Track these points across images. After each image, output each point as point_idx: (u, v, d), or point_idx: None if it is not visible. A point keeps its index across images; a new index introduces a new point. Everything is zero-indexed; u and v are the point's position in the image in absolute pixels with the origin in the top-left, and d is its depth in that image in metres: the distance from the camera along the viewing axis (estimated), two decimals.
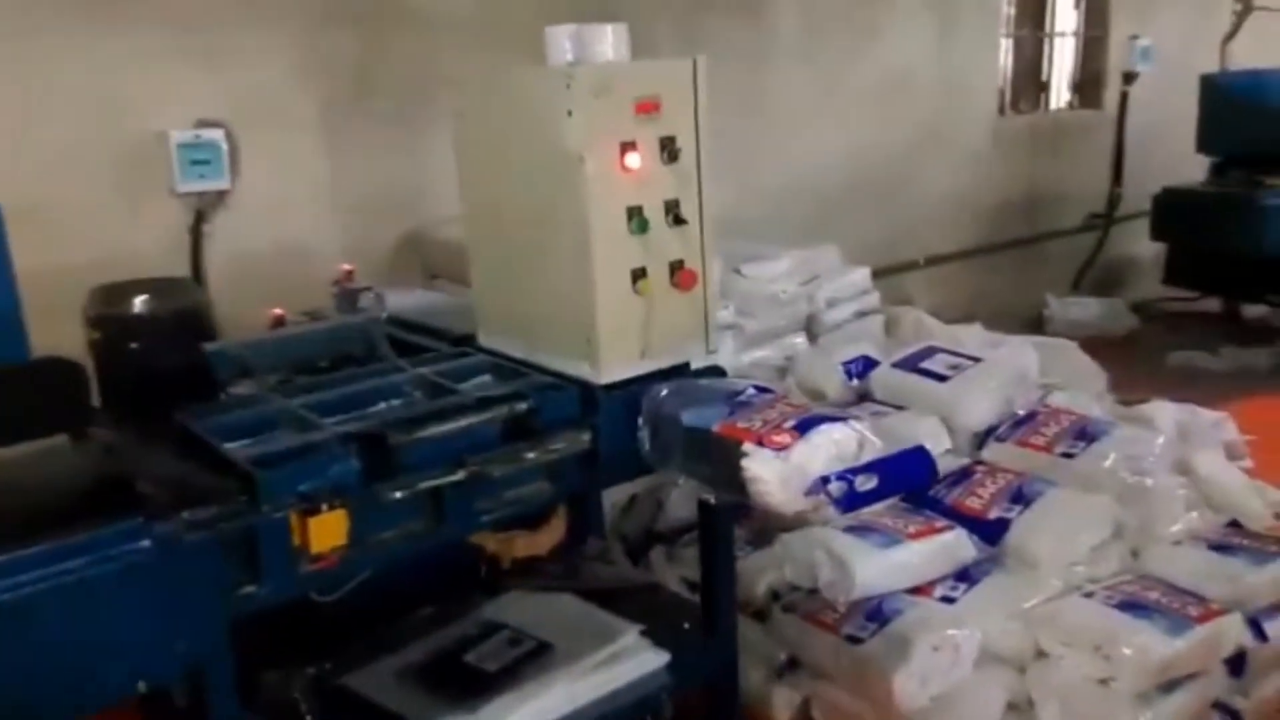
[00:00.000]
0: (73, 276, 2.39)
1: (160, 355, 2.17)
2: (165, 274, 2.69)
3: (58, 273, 2.67)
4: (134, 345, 2.18)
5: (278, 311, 2.63)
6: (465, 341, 2.47)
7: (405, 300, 2.87)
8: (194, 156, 3.29)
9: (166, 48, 3.27)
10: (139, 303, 2.21)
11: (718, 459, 1.96)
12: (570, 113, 2.01)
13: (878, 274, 4.24)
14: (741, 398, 2.08)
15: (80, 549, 1.54)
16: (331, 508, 1.74)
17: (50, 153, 3.09)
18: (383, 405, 2.12)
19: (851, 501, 1.88)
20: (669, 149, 2.10)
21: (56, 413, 1.71)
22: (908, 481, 2.14)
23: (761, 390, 2.14)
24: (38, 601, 1.51)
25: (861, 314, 4.08)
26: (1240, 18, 6.99)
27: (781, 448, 1.88)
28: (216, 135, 3.32)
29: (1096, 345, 4.36)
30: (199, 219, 3.35)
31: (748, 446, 1.90)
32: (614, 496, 3.21)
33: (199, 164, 3.29)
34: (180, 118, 3.30)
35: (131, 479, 1.71)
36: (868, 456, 1.93)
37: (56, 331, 2.25)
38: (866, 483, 1.89)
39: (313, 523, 1.72)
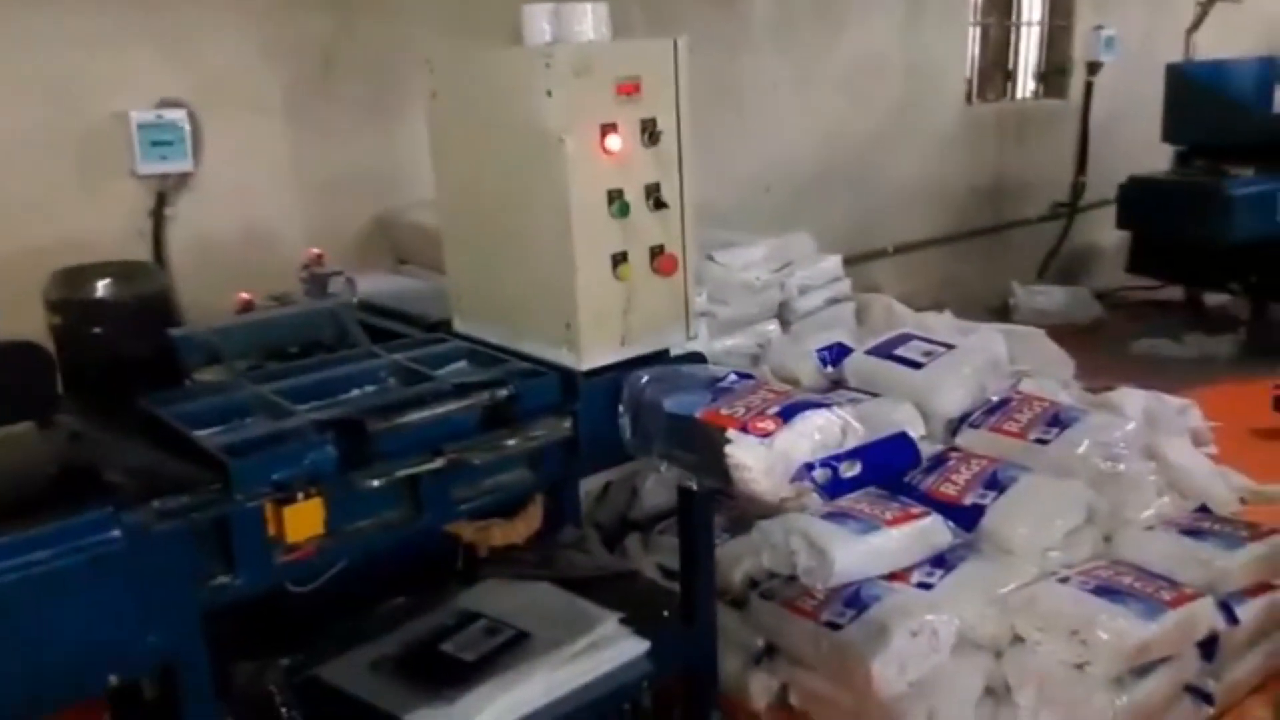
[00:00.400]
0: (29, 260, 2.32)
1: (124, 340, 2.12)
2: (126, 258, 2.62)
3: (13, 256, 2.59)
4: (96, 330, 2.12)
5: (245, 296, 2.56)
6: (439, 328, 2.43)
7: (376, 285, 2.82)
8: (155, 137, 3.19)
9: (127, 27, 3.17)
10: (101, 287, 2.15)
11: (701, 446, 1.94)
12: (550, 93, 1.97)
13: (846, 261, 4.24)
14: (723, 384, 2.06)
15: (48, 539, 1.49)
16: (307, 496, 1.69)
17: (5, 134, 2.99)
18: (356, 392, 2.08)
19: (836, 488, 1.87)
20: (650, 131, 2.06)
21: (21, 399, 1.64)
22: (891, 467, 2.13)
23: (743, 376, 2.11)
24: (4, 594, 1.45)
25: (833, 301, 4.08)
26: (1205, 8, 7.07)
27: (766, 434, 1.86)
28: (179, 116, 3.22)
29: (1061, 333, 4.40)
30: (161, 201, 3.25)
31: (731, 433, 1.88)
32: (588, 485, 3.19)
33: (160, 145, 3.19)
34: (141, 98, 3.21)
35: (99, 467, 1.65)
36: (851, 443, 1.91)
37: (12, 316, 2.18)
38: (850, 469, 1.88)
39: (288, 512, 1.67)
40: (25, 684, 1.50)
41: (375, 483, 1.76)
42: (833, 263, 4.10)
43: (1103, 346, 5.52)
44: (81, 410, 1.94)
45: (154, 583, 1.58)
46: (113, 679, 1.59)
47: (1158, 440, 3.36)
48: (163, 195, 3.25)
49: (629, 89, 2.03)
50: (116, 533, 1.53)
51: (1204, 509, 3.05)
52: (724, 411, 1.93)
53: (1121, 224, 6.22)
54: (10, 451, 1.74)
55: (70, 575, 1.51)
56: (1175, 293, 6.51)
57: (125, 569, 1.55)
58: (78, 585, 1.52)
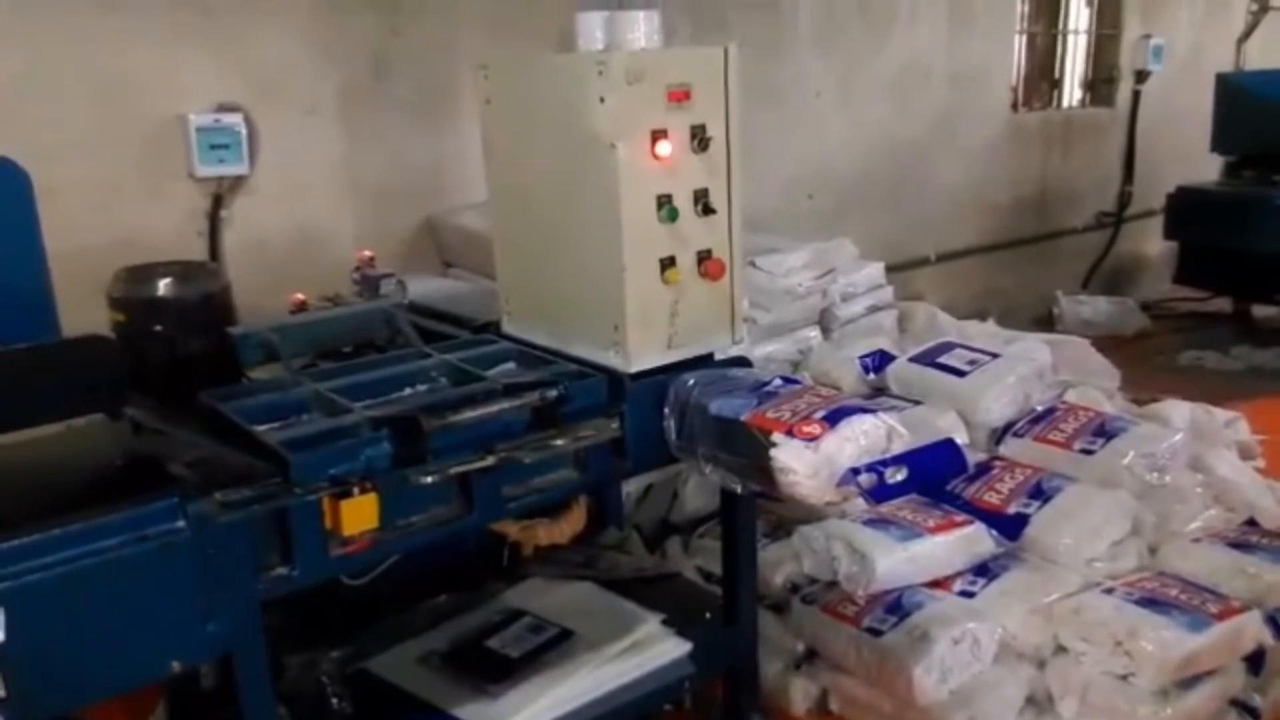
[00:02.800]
0: (91, 259, 2.38)
1: (185, 337, 2.17)
2: (182, 257, 2.68)
3: (75, 255, 2.66)
4: (158, 328, 2.17)
5: (299, 296, 2.62)
6: (488, 329, 2.47)
7: (426, 287, 2.87)
8: (213, 141, 3.27)
9: (183, 30, 3.24)
10: (163, 285, 2.20)
11: (746, 449, 1.96)
12: (603, 99, 2.00)
13: (889, 269, 4.24)
14: (769, 388, 2.08)
15: (116, 528, 1.54)
16: (363, 491, 1.73)
17: (69, 134, 3.07)
18: (409, 391, 2.13)
19: (881, 493, 1.88)
20: (699, 138, 2.09)
21: (93, 391, 1.70)
22: (937, 474, 2.15)
23: (789, 381, 2.13)
24: (73, 580, 1.50)
25: (875, 309, 4.08)
26: (1256, 17, 6.98)
27: (812, 438, 1.88)
28: (235, 120, 3.30)
29: (1106, 344, 4.37)
30: (217, 203, 3.33)
31: (778, 437, 1.90)
32: (629, 487, 3.21)
33: (218, 148, 3.27)
34: (197, 101, 3.29)
35: (164, 459, 1.71)
36: (897, 448, 1.92)
37: (74, 313, 2.24)
38: (896, 474, 1.89)
39: (344, 506, 1.72)
40: (93, 667, 1.55)
41: (428, 479, 1.80)
42: (875, 270, 4.10)
43: (1148, 358, 5.47)
44: (144, 404, 2.00)
45: (216, 572, 1.63)
46: (175, 665, 1.64)
47: (1205, 452, 3.32)
48: (219, 197, 3.33)
49: (680, 96, 2.06)
50: (181, 523, 1.59)
51: (1252, 522, 3.02)
52: (770, 415, 1.95)
53: (1169, 234, 6.16)
54: (80, 443, 1.80)
55: (136, 563, 1.56)
56: (1223, 304, 6.43)
57: (189, 558, 1.60)
58: (143, 573, 1.57)
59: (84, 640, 1.53)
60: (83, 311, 2.19)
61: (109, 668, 1.57)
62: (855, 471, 1.87)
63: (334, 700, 2.10)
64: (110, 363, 1.72)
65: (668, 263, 2.11)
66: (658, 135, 2.04)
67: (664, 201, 2.07)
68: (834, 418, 1.91)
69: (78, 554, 1.51)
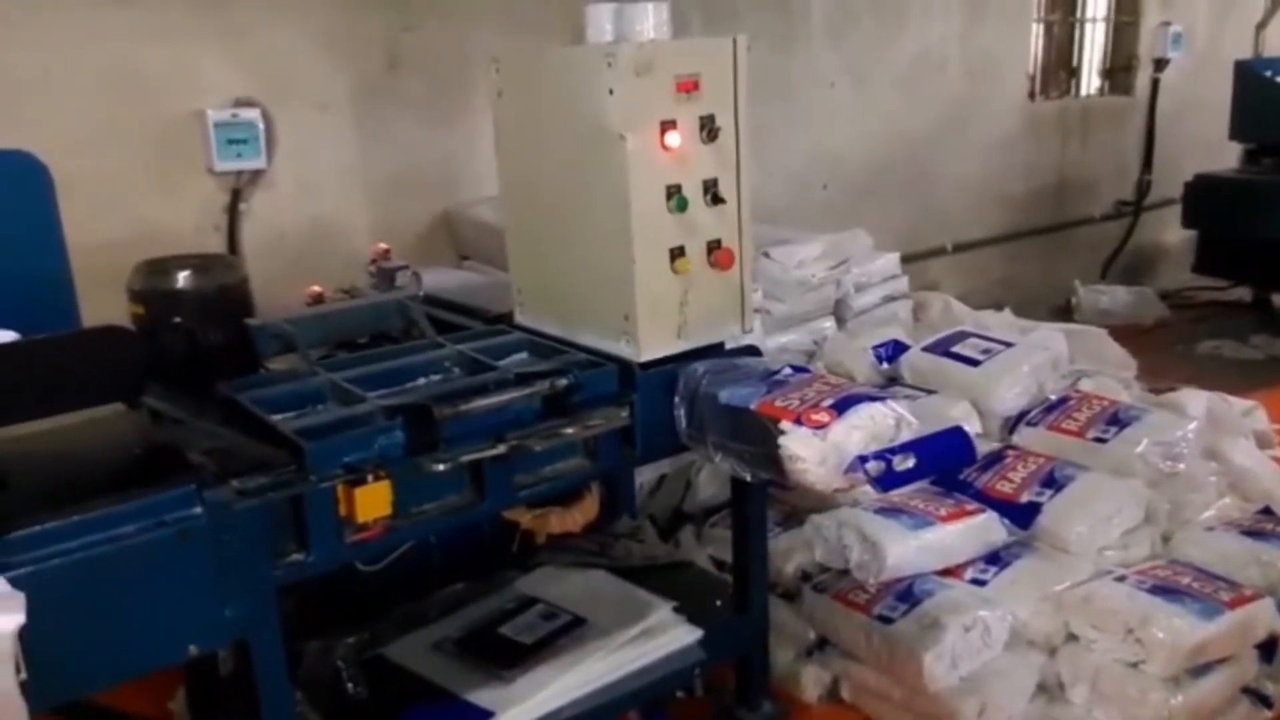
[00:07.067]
0: (110, 252, 2.42)
1: (203, 329, 2.21)
2: (201, 250, 2.72)
3: (96, 248, 2.72)
4: (178, 320, 2.21)
5: (316, 289, 2.65)
6: (501, 320, 2.49)
7: (441, 279, 2.90)
8: (231, 136, 3.30)
9: (199, 26, 3.28)
10: (182, 278, 2.23)
11: (755, 437, 1.97)
12: (612, 91, 2.02)
13: (905, 259, 4.23)
14: (778, 376, 2.09)
15: (135, 515, 1.57)
16: (377, 479, 1.76)
17: (89, 129, 3.11)
18: (422, 380, 2.16)
19: (889, 481, 1.89)
20: (708, 128, 2.10)
21: (113, 381, 1.73)
22: (945, 462, 2.15)
23: (798, 370, 2.14)
24: (93, 565, 1.53)
25: (890, 299, 4.07)
26: (1275, 4, 6.91)
27: (820, 426, 1.89)
28: (253, 115, 3.33)
29: (1124, 333, 4.35)
30: (235, 197, 3.37)
31: (786, 425, 1.91)
32: (642, 477, 3.23)
33: (236, 143, 3.31)
34: (213, 96, 3.32)
35: (182, 448, 1.74)
36: (905, 436, 1.93)
37: (95, 304, 2.28)
38: (904, 462, 1.90)
39: (359, 493, 1.74)
40: (114, 650, 1.58)
41: (441, 467, 1.82)
42: (889, 260, 4.10)
43: (1167, 347, 5.44)
44: (163, 395, 2.03)
45: (232, 558, 1.66)
46: (193, 649, 1.67)
47: (1221, 441, 3.32)
48: (237, 191, 3.37)
49: (688, 86, 2.07)
50: (199, 509, 1.61)
51: (1267, 511, 3.01)
52: (779, 403, 1.96)
53: (1188, 223, 6.12)
54: (100, 431, 1.83)
55: (155, 549, 1.59)
56: (1243, 293, 6.38)
57: (206, 545, 1.63)
58: (161, 559, 1.60)
59: (103, 624, 1.56)
60: (103, 304, 2.23)
61: (127, 652, 1.60)
62: (863, 459, 1.88)
63: (349, 685, 2.13)
64: (130, 353, 1.76)
65: (677, 252, 2.12)
66: (667, 126, 2.05)
67: (673, 192, 2.09)
68: (842, 406, 1.92)
69: (97, 540, 1.54)
